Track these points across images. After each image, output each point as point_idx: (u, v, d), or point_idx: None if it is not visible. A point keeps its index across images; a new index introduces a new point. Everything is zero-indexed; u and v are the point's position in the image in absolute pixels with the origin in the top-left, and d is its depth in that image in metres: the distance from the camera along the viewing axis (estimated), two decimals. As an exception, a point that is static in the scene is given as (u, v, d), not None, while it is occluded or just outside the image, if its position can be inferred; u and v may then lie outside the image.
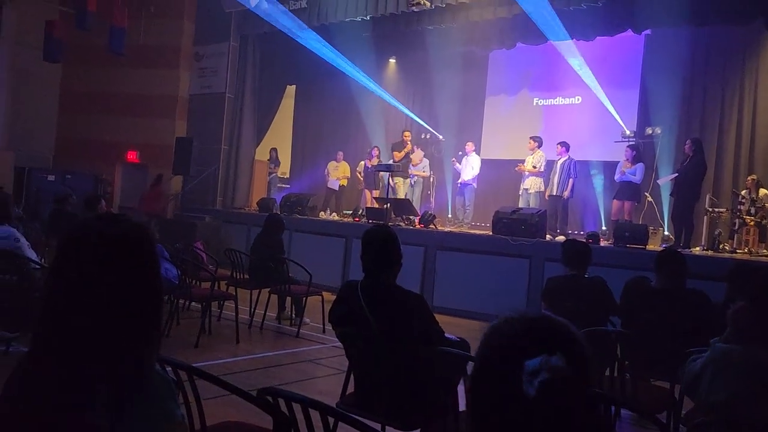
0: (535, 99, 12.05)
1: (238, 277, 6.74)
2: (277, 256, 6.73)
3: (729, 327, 2.33)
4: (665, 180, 9.06)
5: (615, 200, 9.26)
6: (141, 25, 13.09)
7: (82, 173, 13.03)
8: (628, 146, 9.37)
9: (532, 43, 10.59)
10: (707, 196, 8.82)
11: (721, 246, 7.98)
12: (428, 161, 11.75)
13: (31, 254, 4.63)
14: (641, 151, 9.37)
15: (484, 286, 7.84)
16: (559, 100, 11.78)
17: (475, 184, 11.06)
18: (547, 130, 10.93)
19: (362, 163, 12.26)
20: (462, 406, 2.75)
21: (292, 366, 5.29)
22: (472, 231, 10.01)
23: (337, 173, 12.59)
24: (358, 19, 10.88)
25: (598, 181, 10.80)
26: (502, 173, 11.35)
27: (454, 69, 11.89)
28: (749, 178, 8.56)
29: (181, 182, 13.03)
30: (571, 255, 4.39)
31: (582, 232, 9.74)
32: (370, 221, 9.64)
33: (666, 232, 8.97)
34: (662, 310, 3.65)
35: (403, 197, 11.11)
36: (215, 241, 10.47)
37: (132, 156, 13.82)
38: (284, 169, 14.58)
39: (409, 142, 11.81)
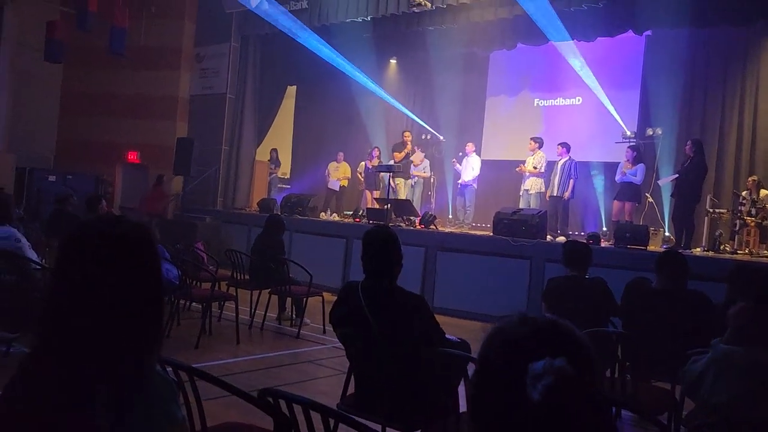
0: (535, 100, 12.04)
1: (238, 277, 6.73)
2: (277, 256, 6.72)
3: (730, 328, 2.33)
4: (666, 181, 9.07)
5: (615, 201, 9.26)
6: (142, 25, 13.10)
7: (83, 174, 13.02)
8: (628, 147, 9.37)
9: (533, 44, 10.59)
10: (708, 197, 8.81)
11: (721, 247, 7.97)
12: (429, 162, 11.74)
13: (32, 255, 4.63)
14: (642, 152, 9.37)
15: (484, 286, 7.83)
16: (559, 101, 11.77)
17: (475, 185, 11.06)
18: (548, 131, 10.92)
19: (363, 163, 12.25)
20: (463, 408, 2.75)
21: (292, 367, 5.29)
22: (473, 232, 10.00)
23: (338, 174, 12.58)
24: (359, 19, 10.88)
25: (599, 182, 10.79)
26: (502, 174, 11.33)
27: (455, 70, 11.89)
28: (750, 179, 8.55)
29: (181, 183, 13.05)
30: (572, 256, 4.38)
31: (582, 233, 9.74)
32: (371, 222, 9.63)
33: (666, 233, 8.97)
34: (663, 311, 3.65)
35: (403, 198, 11.11)
36: (216, 242, 10.48)
37: (133, 157, 13.83)
38: (285, 169, 14.57)
39: (409, 143, 11.79)
